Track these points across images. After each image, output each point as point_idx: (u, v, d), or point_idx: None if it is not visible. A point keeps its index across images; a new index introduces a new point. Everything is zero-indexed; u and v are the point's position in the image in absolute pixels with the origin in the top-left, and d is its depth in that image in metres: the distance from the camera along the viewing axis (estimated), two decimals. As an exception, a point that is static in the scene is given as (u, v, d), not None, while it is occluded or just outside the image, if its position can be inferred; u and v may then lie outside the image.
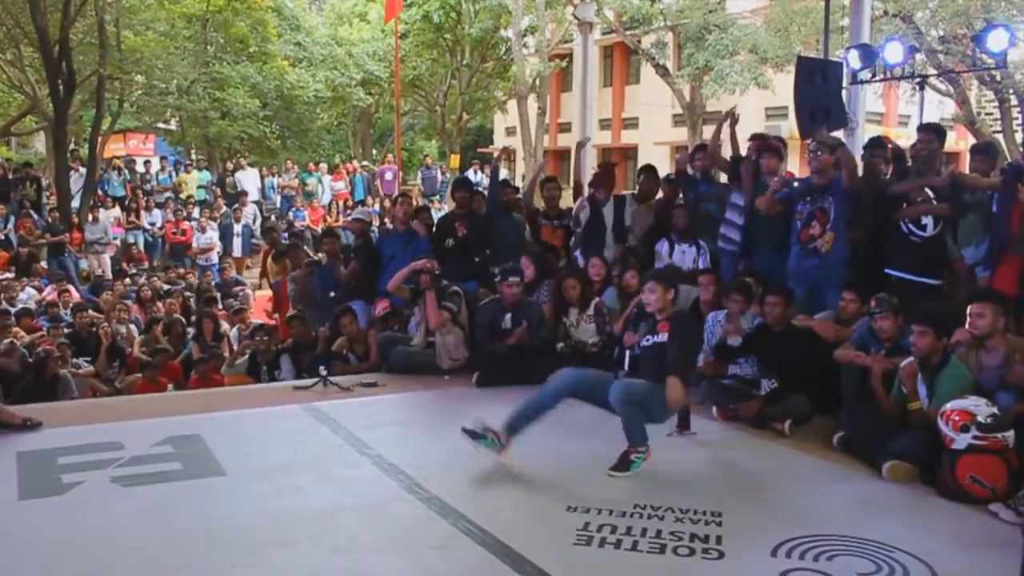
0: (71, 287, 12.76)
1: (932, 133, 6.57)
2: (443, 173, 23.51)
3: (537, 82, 27.05)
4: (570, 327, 7.29)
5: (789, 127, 19.02)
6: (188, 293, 12.97)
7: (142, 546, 3.91)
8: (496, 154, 19.90)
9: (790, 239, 6.71)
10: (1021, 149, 17.40)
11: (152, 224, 17.64)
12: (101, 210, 16.69)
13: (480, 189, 10.56)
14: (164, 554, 3.83)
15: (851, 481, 4.84)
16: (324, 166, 22.30)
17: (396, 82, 23.80)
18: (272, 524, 4.15)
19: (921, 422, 4.85)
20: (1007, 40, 8.44)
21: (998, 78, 18.28)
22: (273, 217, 18.62)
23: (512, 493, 4.66)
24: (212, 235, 16.91)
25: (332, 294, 8.62)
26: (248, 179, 19.86)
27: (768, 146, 7.29)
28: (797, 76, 8.50)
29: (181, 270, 15.21)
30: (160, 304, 11.67)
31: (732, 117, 7.59)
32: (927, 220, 6.23)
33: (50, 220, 15.83)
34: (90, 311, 10.73)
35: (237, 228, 17.56)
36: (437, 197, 20.86)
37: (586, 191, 8.44)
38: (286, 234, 13.84)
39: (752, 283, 6.53)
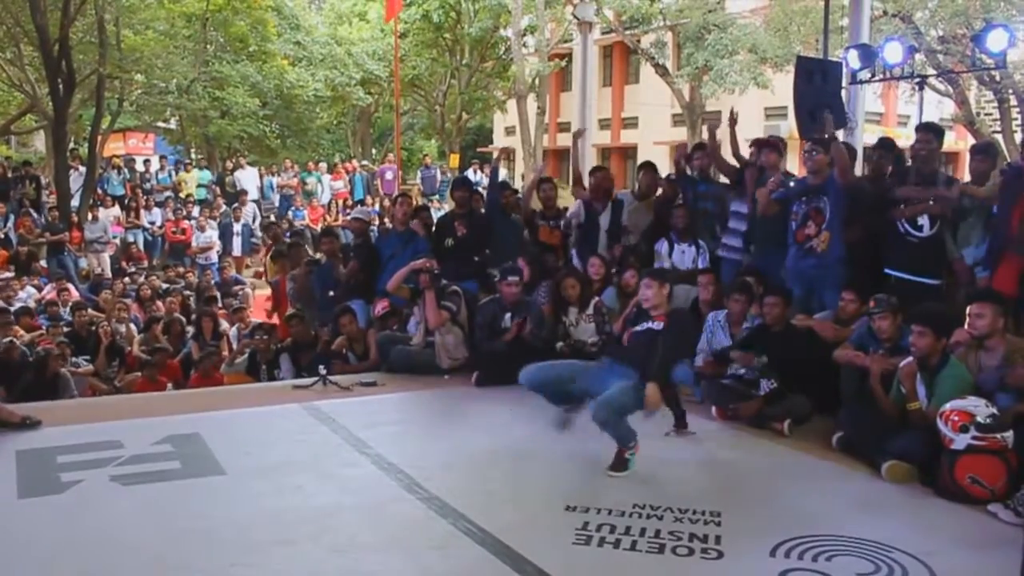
0: (70, 286, 12.74)
1: (931, 133, 6.57)
2: (443, 173, 23.50)
3: (536, 82, 27.06)
4: (569, 327, 7.29)
5: (789, 127, 19.04)
6: (188, 292, 12.97)
7: (141, 545, 3.91)
8: (496, 155, 19.92)
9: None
10: (1020, 149, 17.39)
11: (152, 223, 17.63)
12: (101, 209, 16.68)
13: (479, 189, 10.56)
14: (163, 553, 3.83)
15: (850, 481, 4.84)
16: (324, 165, 22.31)
17: (396, 81, 23.82)
18: (271, 523, 4.15)
19: (920, 422, 4.85)
20: (1006, 40, 8.44)
21: (997, 78, 18.29)
22: (272, 216, 18.62)
23: (511, 493, 4.66)
24: (211, 234, 16.91)
25: (331, 293, 8.62)
26: (248, 178, 19.86)
27: (767, 142, 7.29)
28: (796, 76, 8.50)
29: (181, 269, 15.20)
30: (159, 303, 11.67)
31: (731, 118, 7.60)
32: (923, 221, 6.24)
33: (49, 219, 15.83)
34: (89, 310, 10.72)
35: (237, 227, 17.56)
36: (437, 196, 20.86)
37: (586, 183, 8.44)
38: (288, 233, 13.82)
39: (752, 282, 6.54)
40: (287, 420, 6.06)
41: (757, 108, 25.51)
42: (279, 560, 3.77)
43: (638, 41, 26.56)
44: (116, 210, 17.49)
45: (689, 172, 8.05)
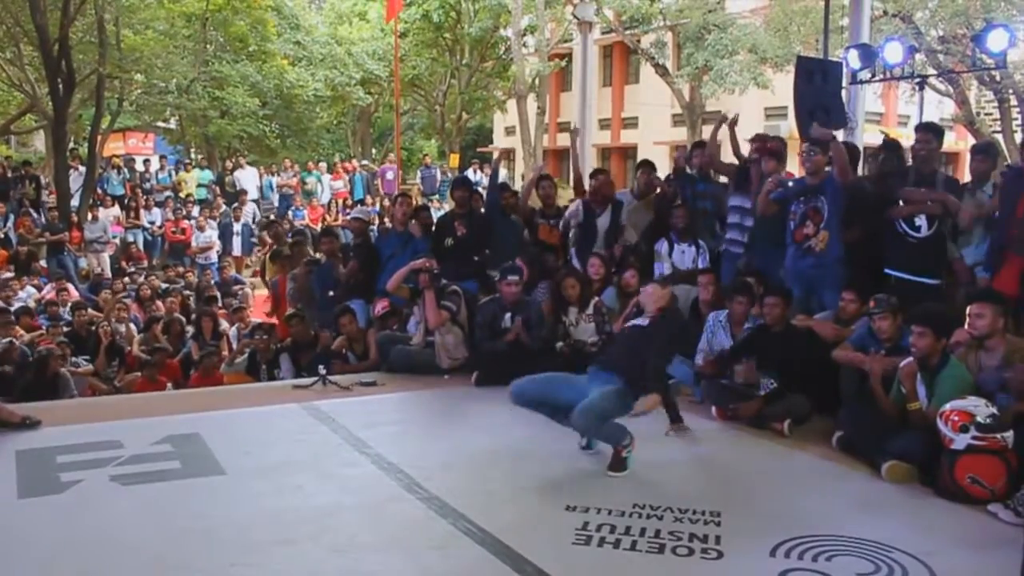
0: (69, 286, 12.74)
1: (930, 133, 6.57)
2: (443, 172, 23.50)
3: (536, 81, 27.06)
4: (569, 326, 7.30)
5: (789, 127, 19.03)
6: (187, 292, 12.97)
7: (141, 545, 3.91)
8: (496, 155, 19.94)
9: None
10: (1020, 149, 17.39)
11: (151, 223, 17.63)
12: (100, 209, 16.68)
13: (479, 189, 10.56)
14: (163, 553, 3.83)
15: (850, 481, 4.84)
16: (324, 165, 22.31)
17: (396, 81, 23.82)
18: (271, 523, 4.15)
19: (920, 422, 4.85)
20: (1007, 40, 8.45)
21: (998, 78, 18.29)
22: (272, 216, 18.62)
23: (511, 493, 4.66)
24: (211, 234, 16.91)
25: (331, 293, 8.62)
26: (247, 178, 19.86)
27: (767, 149, 7.29)
28: (797, 76, 8.50)
29: (180, 269, 15.19)
30: (159, 303, 11.66)
31: (731, 120, 7.59)
32: (921, 222, 6.24)
33: (49, 219, 15.83)
34: (89, 310, 10.72)
35: (236, 227, 17.56)
36: (436, 196, 20.86)
37: (586, 184, 8.45)
38: (290, 233, 13.81)
39: (753, 283, 6.54)
40: (287, 420, 6.06)
41: (757, 108, 25.53)
42: (279, 560, 3.77)
43: (638, 41, 26.56)
44: (116, 210, 17.49)
45: (689, 170, 8.05)
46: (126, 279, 13.86)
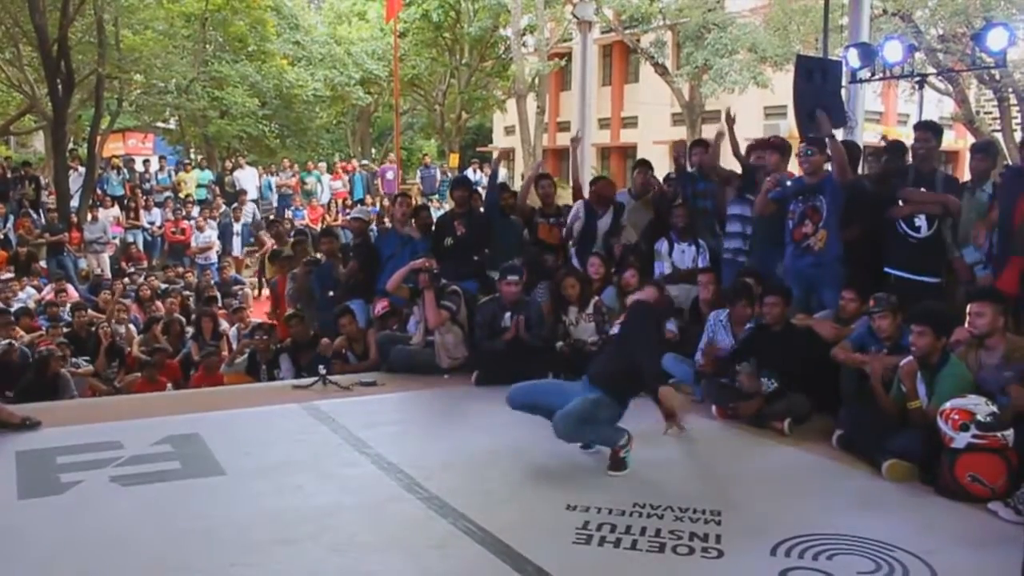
0: (69, 286, 12.74)
1: (929, 132, 6.57)
2: (442, 172, 23.50)
3: (536, 81, 27.05)
4: (569, 326, 7.30)
5: (788, 126, 19.04)
6: (187, 292, 12.96)
7: (141, 545, 3.91)
8: (495, 155, 19.93)
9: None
10: (1020, 148, 17.39)
11: (151, 223, 17.63)
12: (100, 209, 16.68)
13: (479, 188, 10.55)
14: (163, 553, 3.83)
15: (850, 480, 4.84)
16: (323, 165, 22.31)
17: (395, 81, 23.82)
18: (271, 523, 4.14)
19: (920, 421, 4.85)
20: (1006, 39, 8.46)
21: (997, 77, 18.31)
22: (271, 216, 18.62)
23: (511, 492, 4.65)
24: (210, 234, 16.90)
25: (331, 293, 8.62)
26: (247, 178, 19.86)
27: (770, 143, 7.27)
28: (796, 75, 8.49)
29: (180, 269, 15.19)
30: (159, 303, 11.66)
31: (729, 118, 7.59)
32: (921, 222, 6.25)
33: (49, 219, 15.82)
34: (89, 311, 10.72)
35: (236, 227, 17.55)
36: (436, 196, 20.86)
37: (585, 191, 8.44)
38: (292, 232, 13.81)
39: (752, 283, 6.54)
40: (287, 420, 6.06)
41: (757, 107, 25.54)
42: (279, 560, 3.77)
43: (638, 40, 26.58)
44: (115, 210, 17.48)
45: (689, 168, 8.04)
46: (126, 280, 13.87)
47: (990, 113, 22.88)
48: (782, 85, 19.75)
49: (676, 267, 7.58)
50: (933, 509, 4.41)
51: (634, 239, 8.08)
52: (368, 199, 19.98)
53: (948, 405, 4.59)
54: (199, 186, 19.71)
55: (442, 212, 12.97)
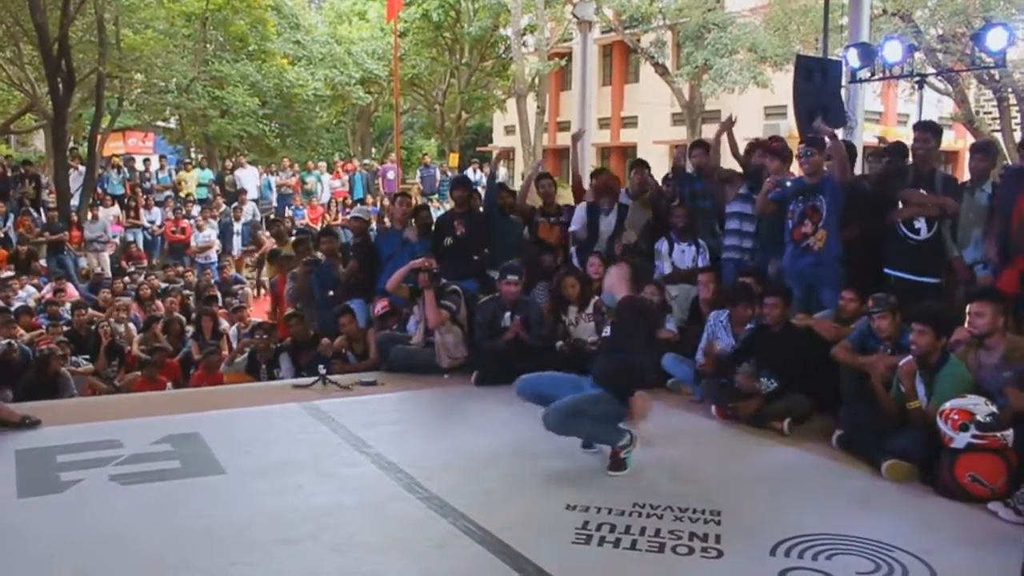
0: (68, 285, 12.74)
1: (928, 132, 6.57)
2: (442, 172, 23.50)
3: (536, 81, 27.06)
4: (569, 326, 7.30)
5: (788, 126, 19.05)
6: (187, 292, 12.96)
7: (141, 544, 3.91)
8: (494, 155, 19.94)
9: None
10: (1019, 148, 17.39)
11: (151, 222, 17.62)
12: (100, 208, 16.68)
13: (479, 188, 10.55)
14: (163, 553, 3.83)
15: (850, 480, 4.84)
16: (323, 164, 22.31)
17: (395, 80, 23.81)
18: (271, 523, 4.14)
19: (920, 421, 4.85)
20: (1006, 39, 8.46)
21: (997, 77, 18.31)
22: (272, 215, 18.62)
23: (511, 492, 4.65)
24: (210, 233, 16.88)
25: (331, 293, 8.62)
26: (248, 177, 19.85)
27: (771, 148, 7.27)
28: (796, 75, 8.51)
29: (180, 268, 15.19)
30: (159, 302, 11.66)
31: (729, 122, 7.58)
32: (920, 224, 6.26)
33: (49, 218, 15.81)
34: (89, 310, 10.72)
35: (237, 227, 17.54)
36: (436, 196, 20.86)
37: (586, 186, 8.42)
38: (294, 231, 13.82)
39: (752, 283, 6.54)
40: (287, 419, 6.06)
41: (757, 107, 25.53)
42: (279, 559, 3.77)
43: (638, 40, 26.58)
44: (116, 209, 17.48)
45: (688, 170, 8.04)
46: (126, 278, 13.87)
47: (989, 113, 22.89)
48: (782, 85, 19.75)
49: (676, 267, 7.58)
50: (933, 509, 4.41)
51: (634, 239, 8.07)
52: (369, 199, 19.99)
53: (948, 405, 4.59)
54: (199, 185, 19.71)
55: (442, 212, 12.98)
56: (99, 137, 20.12)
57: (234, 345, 9.62)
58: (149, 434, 5.51)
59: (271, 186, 20.16)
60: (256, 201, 19.20)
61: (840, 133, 8.13)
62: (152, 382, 8.81)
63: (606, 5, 24.76)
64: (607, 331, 5.24)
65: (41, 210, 16.39)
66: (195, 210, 17.68)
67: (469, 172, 20.58)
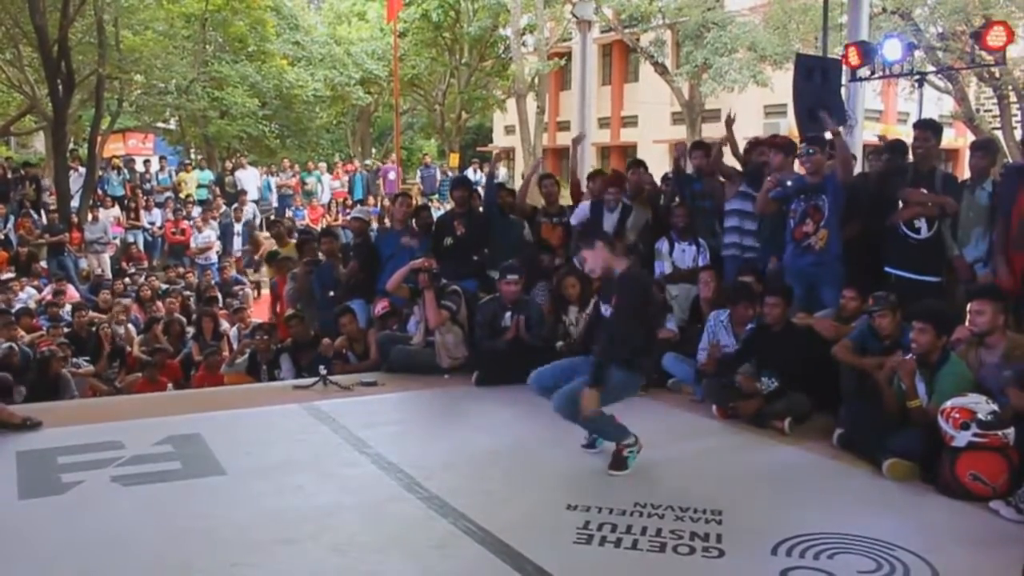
0: (69, 286, 12.74)
1: (928, 131, 6.57)
2: (443, 172, 23.51)
3: (536, 80, 27.06)
4: (569, 325, 7.29)
5: (788, 125, 19.04)
6: (188, 293, 12.97)
7: (142, 545, 3.90)
8: (494, 155, 19.93)
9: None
10: (1021, 146, 17.39)
11: (152, 224, 17.63)
12: (101, 210, 16.68)
13: (479, 188, 10.55)
14: (164, 553, 3.82)
15: (851, 479, 4.84)
16: (324, 165, 22.31)
17: (395, 81, 23.83)
18: (272, 523, 4.14)
19: (921, 420, 4.85)
20: (1005, 37, 8.45)
21: (997, 75, 18.30)
22: (272, 216, 18.63)
23: (512, 492, 4.65)
24: (210, 234, 16.89)
25: (331, 293, 8.62)
26: (249, 178, 19.86)
27: (774, 143, 7.27)
28: (796, 74, 8.51)
29: (181, 269, 15.20)
30: (160, 303, 11.67)
31: (729, 120, 7.58)
32: (921, 223, 6.26)
33: (49, 220, 15.82)
34: (90, 311, 10.73)
35: (237, 227, 17.55)
36: (436, 196, 20.87)
37: (583, 188, 8.42)
38: (297, 231, 13.80)
39: (752, 282, 6.54)
40: (287, 420, 6.05)
41: (756, 106, 25.53)
42: (280, 560, 3.77)
43: (637, 39, 26.58)
44: (116, 211, 17.49)
45: (689, 170, 8.04)
46: (126, 280, 13.88)
47: (990, 111, 22.88)
48: (782, 84, 19.75)
49: (676, 267, 7.57)
50: (934, 508, 4.40)
51: (633, 239, 8.06)
52: (371, 199, 19.99)
53: (949, 404, 4.59)
54: (199, 186, 19.71)
55: (442, 212, 12.98)
56: (99, 138, 20.11)
57: (235, 346, 9.62)
58: (150, 435, 5.50)
59: (271, 187, 20.17)
60: (256, 202, 19.22)
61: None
62: (153, 383, 8.82)
63: (605, 4, 24.76)
64: (605, 311, 5.13)
65: (41, 212, 16.40)
66: (195, 211, 17.69)
67: (469, 172, 20.59)
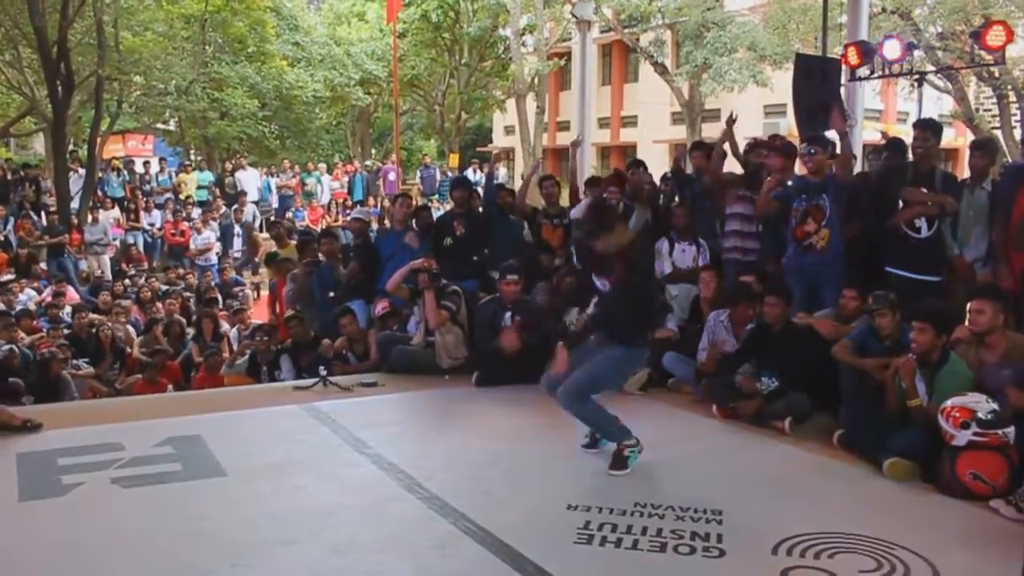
0: (69, 288, 12.74)
1: (928, 130, 6.56)
2: (442, 172, 23.51)
3: (536, 81, 27.06)
4: (570, 326, 7.27)
5: (788, 124, 19.02)
6: (188, 294, 12.97)
7: (143, 547, 3.90)
8: (493, 156, 19.93)
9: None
10: (1021, 145, 17.40)
11: (152, 225, 17.63)
12: (100, 211, 16.68)
13: (478, 188, 10.55)
14: (164, 555, 3.82)
15: (851, 478, 4.84)
16: (323, 166, 22.32)
17: (395, 81, 23.83)
18: (272, 524, 4.14)
19: (921, 419, 4.85)
20: (1005, 36, 8.44)
21: (996, 74, 18.30)
22: (272, 217, 18.63)
23: (512, 492, 4.65)
24: (209, 236, 16.88)
25: (331, 294, 8.62)
26: (249, 179, 19.86)
27: (775, 146, 7.26)
28: (796, 74, 8.50)
29: (181, 271, 15.20)
30: (160, 305, 11.67)
31: (730, 120, 7.57)
32: (921, 223, 6.26)
33: (49, 221, 15.82)
34: (90, 313, 10.72)
35: (237, 228, 17.54)
36: (436, 196, 20.87)
37: (580, 195, 8.43)
38: (297, 232, 13.81)
39: (752, 282, 6.53)
40: (287, 421, 6.05)
41: (756, 106, 25.52)
42: (280, 560, 3.77)
43: (637, 40, 26.57)
44: (116, 212, 17.49)
45: (689, 171, 8.04)
46: (126, 281, 13.88)
47: (989, 110, 22.88)
48: (781, 84, 19.75)
49: (676, 266, 7.57)
50: (934, 507, 4.40)
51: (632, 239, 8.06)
52: (371, 200, 20.00)
53: (949, 403, 4.58)
54: (199, 187, 19.72)
55: (442, 212, 12.98)
56: (99, 140, 20.11)
57: (235, 347, 9.62)
58: (150, 437, 5.50)
59: (271, 188, 20.17)
60: (256, 203, 19.22)
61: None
62: (153, 384, 8.82)
63: (605, 5, 24.75)
64: (601, 286, 5.06)
65: (41, 213, 16.41)
66: (195, 212, 17.68)
67: (469, 172, 20.59)
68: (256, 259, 16.25)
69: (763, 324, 6.11)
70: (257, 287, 15.59)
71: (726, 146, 7.64)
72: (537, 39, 27.22)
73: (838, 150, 6.73)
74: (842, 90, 9.38)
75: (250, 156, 24.76)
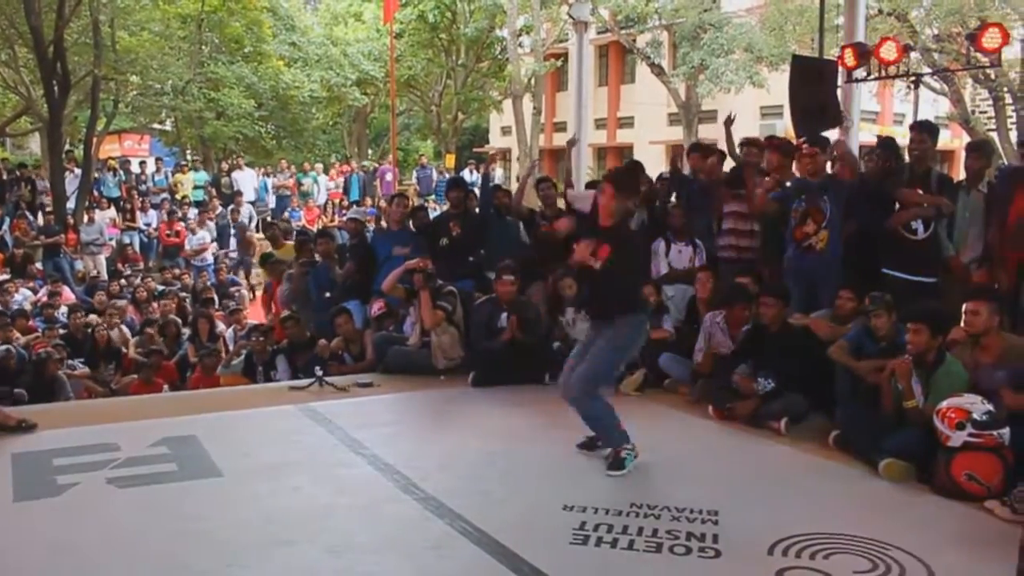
0: (64, 288, 12.71)
1: (925, 132, 6.58)
2: (439, 173, 23.50)
3: (532, 81, 27.07)
4: (566, 326, 7.29)
5: (784, 126, 19.05)
6: (184, 294, 12.94)
7: (138, 547, 3.90)
8: (490, 156, 19.91)
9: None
10: (1017, 147, 17.41)
11: (148, 225, 17.58)
12: (96, 211, 16.64)
13: (474, 189, 10.56)
14: (160, 555, 3.82)
15: (847, 479, 4.84)
16: (320, 166, 22.31)
17: (391, 82, 23.85)
18: (268, 524, 4.14)
19: (917, 420, 4.86)
20: (1001, 39, 8.46)
21: (992, 76, 18.32)
22: (268, 218, 18.60)
23: (508, 493, 4.65)
24: (204, 236, 16.83)
25: (327, 294, 8.61)
26: (246, 179, 19.83)
27: (772, 144, 7.26)
28: (792, 75, 8.50)
29: (176, 271, 15.16)
30: (155, 305, 11.64)
31: (729, 120, 7.59)
32: (917, 224, 6.27)
33: (45, 221, 15.78)
34: (85, 313, 10.70)
35: (233, 229, 17.50)
36: (433, 197, 20.86)
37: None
38: (295, 232, 13.79)
39: (748, 283, 6.54)
40: (283, 421, 6.05)
41: (753, 107, 25.55)
42: (276, 561, 3.77)
43: (634, 40, 26.58)
44: (112, 212, 17.45)
45: (686, 172, 8.05)
46: (122, 281, 13.84)
47: (985, 112, 22.88)
48: (778, 85, 19.74)
49: (673, 267, 7.58)
50: (929, 508, 4.41)
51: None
52: (367, 200, 19.98)
53: (944, 404, 4.59)
54: (195, 187, 19.68)
55: (438, 213, 12.97)
56: (95, 140, 20.05)
57: (231, 347, 9.61)
58: (146, 437, 5.50)
59: (268, 188, 20.15)
60: (253, 203, 19.19)
61: (836, 133, 8.14)
62: (148, 385, 8.81)
63: (602, 6, 24.76)
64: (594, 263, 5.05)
65: (37, 213, 16.36)
66: (191, 212, 17.64)
67: (465, 173, 20.59)
68: (251, 259, 16.21)
69: (759, 325, 6.11)
70: (253, 288, 15.56)
71: (722, 145, 7.66)
72: (534, 40, 27.23)
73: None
74: (839, 92, 9.38)
75: (246, 156, 24.72)
